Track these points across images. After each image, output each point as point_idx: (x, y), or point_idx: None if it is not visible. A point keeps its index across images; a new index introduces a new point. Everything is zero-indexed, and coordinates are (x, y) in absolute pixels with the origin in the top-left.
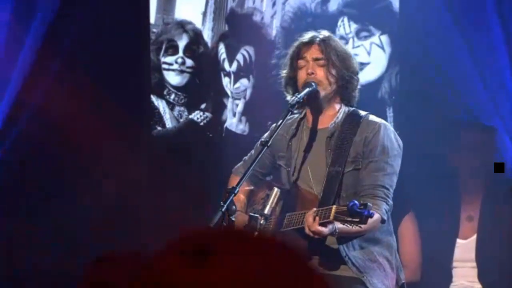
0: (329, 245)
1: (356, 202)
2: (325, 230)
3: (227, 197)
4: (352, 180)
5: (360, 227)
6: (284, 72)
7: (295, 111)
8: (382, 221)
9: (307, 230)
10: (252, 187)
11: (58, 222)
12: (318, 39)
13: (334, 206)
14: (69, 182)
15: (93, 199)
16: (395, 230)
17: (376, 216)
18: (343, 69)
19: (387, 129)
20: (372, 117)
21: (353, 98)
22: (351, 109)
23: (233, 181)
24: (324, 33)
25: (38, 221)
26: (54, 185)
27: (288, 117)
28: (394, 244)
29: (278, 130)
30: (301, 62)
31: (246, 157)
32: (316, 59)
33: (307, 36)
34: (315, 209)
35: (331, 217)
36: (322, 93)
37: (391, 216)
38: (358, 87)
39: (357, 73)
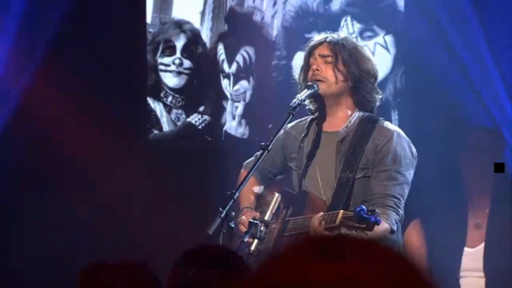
0: None
1: (363, 207)
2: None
3: (227, 201)
4: (361, 187)
5: (366, 233)
6: (298, 73)
7: (310, 111)
8: (391, 231)
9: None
10: (262, 186)
11: (50, 229)
12: (329, 38)
13: (341, 211)
14: (60, 189)
15: (87, 206)
16: None
17: (385, 225)
18: (354, 67)
19: (400, 137)
20: (387, 124)
21: (367, 102)
22: (366, 114)
23: (243, 176)
24: (341, 34)
25: (31, 226)
26: (45, 191)
27: (302, 118)
28: None
29: (278, 135)
30: (311, 60)
31: (258, 153)
32: (323, 56)
33: (321, 35)
34: (321, 213)
35: (337, 222)
36: (327, 91)
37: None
38: (378, 94)
39: (373, 76)
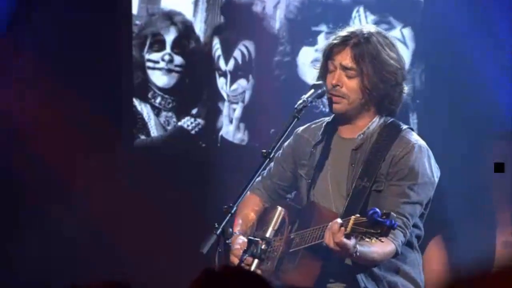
0: (348, 264)
1: (377, 210)
2: (350, 243)
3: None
4: (372, 201)
5: (381, 240)
6: (317, 67)
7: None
8: (396, 253)
9: (330, 242)
10: (267, 206)
11: (26, 245)
12: (352, 41)
13: (352, 217)
14: (36, 201)
15: (67, 220)
16: None
17: (392, 246)
18: (379, 81)
19: (422, 151)
20: (410, 134)
21: (391, 110)
22: (389, 120)
23: (248, 200)
24: (366, 29)
25: (6, 243)
26: (19, 204)
27: (317, 120)
28: (422, 278)
29: (281, 141)
30: (330, 66)
31: (264, 172)
32: (345, 68)
33: (342, 33)
34: (339, 219)
35: (348, 229)
36: (347, 108)
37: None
38: (404, 94)
39: (400, 84)
